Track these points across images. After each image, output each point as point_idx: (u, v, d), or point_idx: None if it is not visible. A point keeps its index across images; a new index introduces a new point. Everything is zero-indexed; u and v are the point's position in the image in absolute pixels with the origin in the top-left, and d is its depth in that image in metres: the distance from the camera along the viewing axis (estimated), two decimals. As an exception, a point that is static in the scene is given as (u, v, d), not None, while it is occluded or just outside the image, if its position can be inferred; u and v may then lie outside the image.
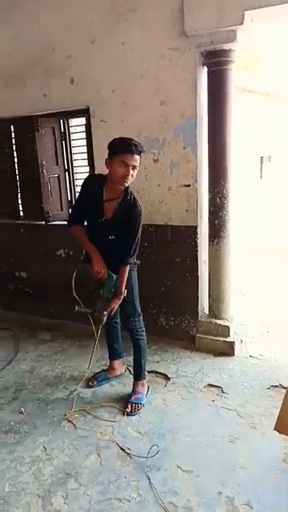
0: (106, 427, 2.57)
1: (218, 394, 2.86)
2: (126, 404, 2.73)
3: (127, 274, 2.58)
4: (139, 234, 2.54)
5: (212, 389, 2.92)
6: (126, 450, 2.36)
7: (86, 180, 2.63)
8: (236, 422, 2.56)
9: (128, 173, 2.34)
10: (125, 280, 2.58)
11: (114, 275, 2.57)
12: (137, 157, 2.35)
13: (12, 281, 4.36)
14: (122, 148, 2.33)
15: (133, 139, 2.38)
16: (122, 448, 2.38)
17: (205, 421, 2.60)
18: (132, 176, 2.38)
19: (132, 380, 2.88)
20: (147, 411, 2.70)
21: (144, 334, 2.82)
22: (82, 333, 3.77)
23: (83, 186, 2.61)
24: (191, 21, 2.85)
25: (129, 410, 2.68)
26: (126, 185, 2.42)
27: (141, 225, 2.53)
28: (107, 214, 2.50)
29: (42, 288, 4.17)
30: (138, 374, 2.82)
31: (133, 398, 2.75)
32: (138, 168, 2.39)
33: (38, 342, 3.74)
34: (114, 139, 2.41)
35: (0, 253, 4.38)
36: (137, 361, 2.81)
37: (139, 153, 2.35)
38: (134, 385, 2.83)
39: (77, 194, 3.97)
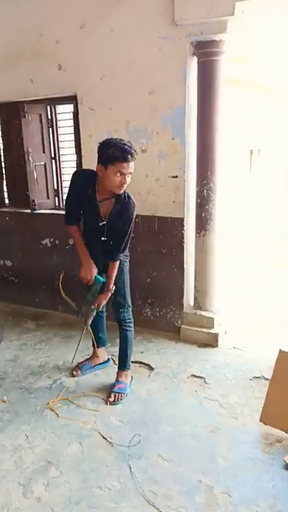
0: (88, 416, 2.58)
1: (200, 385, 2.88)
2: (110, 394, 2.74)
3: (117, 268, 2.57)
4: (131, 229, 2.52)
5: (195, 379, 2.94)
6: (108, 439, 2.37)
7: (76, 178, 2.52)
8: (218, 412, 2.59)
9: (125, 181, 2.29)
10: (114, 276, 2.58)
11: (102, 279, 2.58)
12: (132, 163, 2.27)
13: (-3, 269, 4.31)
14: (118, 157, 2.20)
15: (127, 144, 2.25)
16: (103, 437, 2.39)
17: (187, 411, 2.62)
18: (126, 183, 2.32)
19: (116, 370, 2.89)
20: (130, 401, 2.71)
21: (132, 325, 2.82)
22: (66, 322, 3.77)
23: (73, 184, 2.52)
24: (181, 10, 2.81)
25: (112, 399, 2.69)
26: (122, 191, 2.35)
27: (133, 221, 2.51)
28: (103, 215, 2.47)
29: (27, 277, 4.13)
30: (123, 364, 2.83)
31: (116, 388, 2.75)
32: (132, 173, 2.31)
33: (22, 331, 3.72)
34: (107, 144, 2.25)
35: (-15, 241, 4.32)
36: (123, 351, 2.82)
37: (133, 159, 2.26)
38: (118, 375, 2.84)
39: (63, 183, 3.97)
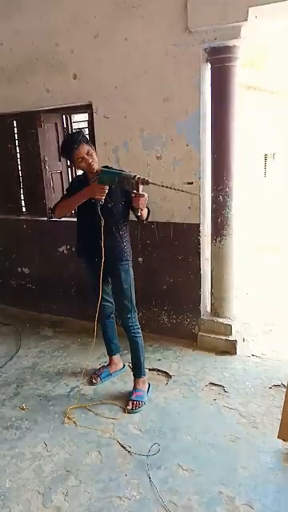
0: (106, 425, 2.57)
1: (219, 393, 2.85)
2: (127, 402, 2.72)
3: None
4: None
5: (214, 387, 2.91)
6: (127, 448, 2.36)
7: (72, 181, 2.75)
8: (237, 421, 2.55)
9: (88, 161, 2.49)
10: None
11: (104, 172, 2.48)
12: (83, 145, 2.46)
13: (14, 276, 4.36)
14: (68, 150, 2.49)
15: (69, 134, 2.65)
16: (122, 446, 2.38)
17: (206, 420, 2.59)
18: (94, 160, 2.51)
19: (133, 377, 2.88)
20: (148, 409, 2.70)
21: (140, 331, 2.81)
22: (83, 329, 3.78)
23: (71, 183, 2.90)
24: (195, 16, 2.82)
25: (130, 407, 2.68)
26: (96, 168, 2.52)
27: None
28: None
29: (45, 284, 4.17)
30: (138, 371, 2.82)
31: (134, 396, 2.74)
32: (91, 150, 2.51)
33: (39, 338, 3.74)
34: (60, 146, 2.68)
35: (3, 248, 4.38)
36: (135, 358, 2.81)
37: (81, 141, 2.46)
38: (135, 382, 2.83)
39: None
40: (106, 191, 2.43)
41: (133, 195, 2.38)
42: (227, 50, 2.87)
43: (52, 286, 4.10)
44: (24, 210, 4.27)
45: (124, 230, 2.67)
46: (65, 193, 2.82)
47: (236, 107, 2.99)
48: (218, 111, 3.00)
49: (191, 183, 3.16)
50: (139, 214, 2.51)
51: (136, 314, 2.78)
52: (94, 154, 2.54)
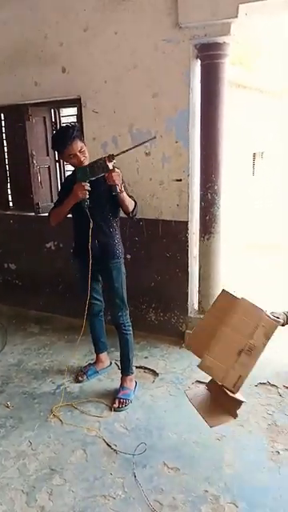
0: (92, 423, 2.55)
1: (205, 391, 2.85)
2: (114, 399, 2.71)
3: (129, 198, 2.51)
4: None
5: (200, 385, 2.90)
6: (113, 447, 2.35)
7: (63, 182, 2.73)
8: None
9: (80, 159, 2.46)
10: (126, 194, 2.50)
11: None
12: (76, 141, 2.43)
13: (1, 273, 4.30)
14: (60, 145, 2.46)
15: (64, 127, 2.55)
16: (108, 444, 2.37)
17: (192, 418, 2.55)
18: (85, 157, 2.49)
19: (120, 376, 2.86)
20: (135, 407, 2.69)
21: (131, 328, 2.80)
22: (70, 326, 3.75)
23: (61, 186, 2.89)
24: (185, 12, 2.79)
25: (116, 405, 2.66)
26: (86, 163, 2.49)
27: None
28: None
29: (31, 280, 4.12)
30: (126, 368, 2.80)
31: (120, 394, 2.73)
32: (84, 147, 2.48)
33: (25, 335, 3.70)
34: (52, 137, 2.64)
35: (-12, 244, 4.31)
36: (124, 355, 2.79)
37: (75, 137, 2.42)
38: (122, 380, 2.81)
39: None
40: (87, 188, 2.41)
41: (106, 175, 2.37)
42: (217, 46, 2.85)
43: (39, 283, 4.06)
44: (11, 204, 4.20)
45: (115, 227, 2.64)
46: (57, 197, 2.77)
47: (225, 105, 2.98)
48: (207, 108, 2.98)
49: (180, 180, 3.14)
50: (117, 192, 2.38)
51: (127, 311, 2.77)
52: (86, 151, 2.51)
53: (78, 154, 2.46)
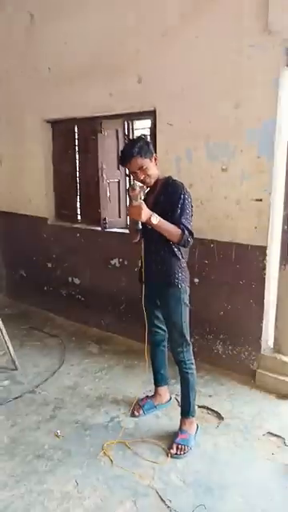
0: (146, 469, 2.28)
1: (279, 446, 2.44)
2: (171, 444, 2.41)
3: (172, 229, 2.21)
4: (187, 204, 2.27)
5: (272, 438, 2.51)
6: (167, 502, 2.05)
7: None
8: (300, 485, 2.14)
9: (140, 177, 2.30)
10: (166, 225, 2.21)
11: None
12: (135, 159, 2.25)
13: (65, 286, 4.23)
14: (121, 161, 2.35)
15: (128, 143, 2.43)
16: (162, 498, 2.07)
17: (262, 478, 2.21)
18: (147, 176, 2.30)
19: (179, 413, 2.55)
20: (194, 456, 2.37)
21: (193, 366, 2.48)
22: (130, 349, 3.54)
23: None
24: (276, 15, 2.47)
25: (174, 451, 2.37)
26: (150, 182, 2.33)
27: (187, 195, 2.28)
28: (149, 206, 2.23)
29: (94, 296, 3.98)
30: (186, 411, 2.50)
31: (179, 439, 2.42)
32: (145, 164, 2.28)
33: (84, 355, 3.55)
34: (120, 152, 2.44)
35: (55, 256, 4.28)
36: (185, 397, 2.49)
37: (134, 155, 2.24)
38: (182, 422, 2.50)
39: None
40: (143, 208, 2.16)
41: None
42: (313, 50, 2.48)
43: (102, 300, 3.91)
44: (79, 218, 4.13)
45: (174, 251, 2.34)
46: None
47: None
48: (297, 119, 2.62)
49: (260, 200, 2.79)
50: (138, 228, 2.28)
51: (190, 347, 2.46)
52: (151, 168, 2.30)
53: (138, 171, 2.29)
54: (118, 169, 3.73)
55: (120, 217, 3.79)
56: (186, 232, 2.21)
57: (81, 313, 4.10)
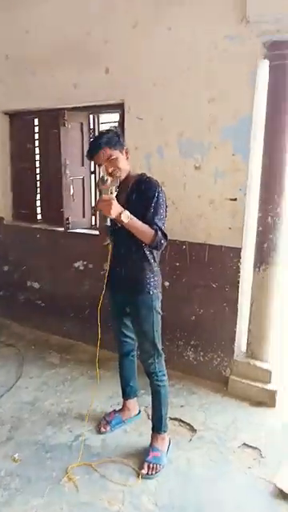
0: (115, 492, 2.06)
1: (254, 459, 2.31)
2: (142, 463, 2.21)
3: (144, 229, 2.00)
4: (161, 203, 2.07)
5: (248, 450, 2.37)
6: (139, 530, 1.85)
7: None
8: (277, 500, 2.01)
9: (108, 169, 2.08)
10: (137, 223, 1.99)
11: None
12: (104, 150, 2.06)
13: (23, 291, 3.92)
14: (88, 154, 2.15)
15: (98, 134, 2.20)
16: (133, 526, 1.87)
17: (238, 494, 2.07)
18: (117, 168, 2.09)
19: (149, 427, 2.35)
20: (167, 474, 2.18)
21: (165, 378, 2.29)
22: (94, 358, 3.26)
23: None
24: (255, 4, 2.37)
25: (145, 471, 2.16)
26: (120, 175, 2.11)
27: (162, 194, 2.09)
28: (121, 203, 2.00)
29: (56, 302, 3.71)
30: (158, 426, 2.30)
31: (150, 457, 2.22)
32: (114, 155, 2.08)
33: (44, 366, 3.26)
34: None
35: (13, 258, 3.95)
36: (156, 411, 2.29)
37: (102, 145, 2.05)
38: (153, 439, 2.31)
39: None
40: (113, 202, 1.92)
41: None
42: (291, 44, 2.40)
43: (63, 305, 3.64)
44: (39, 217, 3.85)
45: (146, 255, 2.14)
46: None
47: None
48: (273, 117, 2.53)
49: (235, 199, 2.67)
50: (106, 224, 2.01)
51: (162, 357, 2.27)
52: (121, 161, 2.10)
53: (107, 163, 2.08)
54: (83, 165, 3.50)
55: (84, 217, 3.56)
56: (160, 233, 2.02)
57: (41, 319, 3.80)
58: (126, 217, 1.96)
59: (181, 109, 2.77)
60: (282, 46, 2.42)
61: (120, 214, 1.95)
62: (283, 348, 3.01)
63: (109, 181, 2.00)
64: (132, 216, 1.97)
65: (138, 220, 2.00)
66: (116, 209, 1.94)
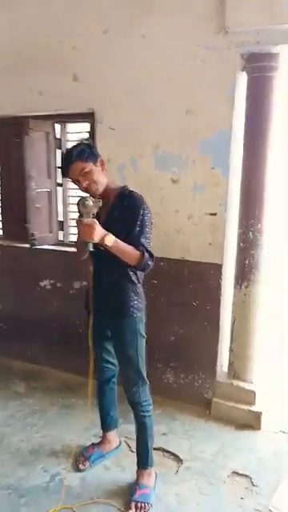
0: None
1: (246, 488, 2.19)
2: (129, 502, 2.02)
3: (129, 251, 1.86)
4: (147, 221, 1.94)
5: (238, 478, 2.25)
6: None
7: None
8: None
9: (83, 184, 1.93)
10: (123, 246, 1.84)
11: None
12: (76, 164, 1.89)
13: (-18, 313, 3.59)
14: (62, 172, 2.01)
15: (71, 147, 1.96)
16: None
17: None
18: (93, 182, 1.92)
19: (132, 459, 2.17)
20: (157, 513, 2.00)
21: (150, 408, 2.12)
22: (65, 385, 3.07)
23: None
24: (234, 14, 2.31)
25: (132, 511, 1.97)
26: (96, 192, 1.94)
27: (147, 211, 1.96)
28: (100, 222, 1.84)
29: (19, 324, 3.42)
30: (144, 461, 2.12)
31: (137, 495, 2.04)
32: (88, 167, 1.90)
33: (8, 397, 2.96)
34: None
35: None
36: (142, 445, 2.11)
37: (73, 159, 1.89)
38: (139, 475, 2.12)
39: (70, 214, 3.36)
40: (95, 227, 1.77)
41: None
42: (269, 57, 2.38)
43: (28, 327, 3.36)
44: (0, 233, 3.56)
45: (130, 274, 2.00)
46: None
47: (275, 126, 2.47)
48: (252, 130, 2.48)
49: (214, 214, 2.58)
50: (88, 249, 1.84)
51: (146, 386, 2.10)
52: (96, 173, 1.92)
53: (80, 178, 1.90)
54: (49, 177, 3.28)
55: (51, 232, 3.32)
56: (146, 254, 1.88)
57: (2, 344, 3.49)
58: (110, 240, 1.79)
59: (156, 120, 2.66)
60: (261, 58, 2.39)
61: (103, 237, 1.78)
62: (268, 368, 2.91)
63: (91, 202, 1.82)
64: (116, 239, 1.81)
65: (122, 242, 1.84)
66: (98, 233, 1.77)
